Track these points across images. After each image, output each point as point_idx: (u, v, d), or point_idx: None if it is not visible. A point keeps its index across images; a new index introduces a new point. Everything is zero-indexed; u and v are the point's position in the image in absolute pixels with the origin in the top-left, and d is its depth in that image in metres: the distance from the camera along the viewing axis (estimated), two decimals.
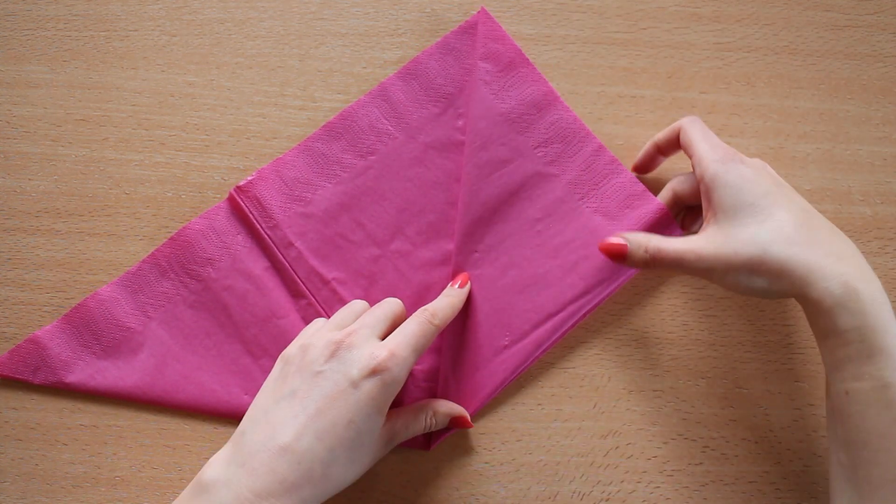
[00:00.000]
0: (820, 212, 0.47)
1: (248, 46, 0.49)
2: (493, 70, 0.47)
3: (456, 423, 0.43)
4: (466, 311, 0.44)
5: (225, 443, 0.38)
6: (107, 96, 0.49)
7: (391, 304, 0.41)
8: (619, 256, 0.41)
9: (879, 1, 0.50)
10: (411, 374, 0.45)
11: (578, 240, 0.46)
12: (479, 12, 0.48)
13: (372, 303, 0.45)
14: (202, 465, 0.44)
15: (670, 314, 0.46)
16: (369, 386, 0.35)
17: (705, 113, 0.48)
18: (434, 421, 0.42)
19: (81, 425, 0.45)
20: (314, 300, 0.45)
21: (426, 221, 0.46)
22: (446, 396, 0.44)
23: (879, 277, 0.47)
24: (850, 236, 0.47)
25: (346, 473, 0.36)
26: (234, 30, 0.49)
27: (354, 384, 0.35)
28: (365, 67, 0.49)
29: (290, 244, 0.46)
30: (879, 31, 0.49)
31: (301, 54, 0.49)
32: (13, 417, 0.45)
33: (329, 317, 0.45)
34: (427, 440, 0.44)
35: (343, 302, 0.45)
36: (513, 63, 0.47)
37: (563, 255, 0.45)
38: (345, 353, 0.37)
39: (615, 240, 0.41)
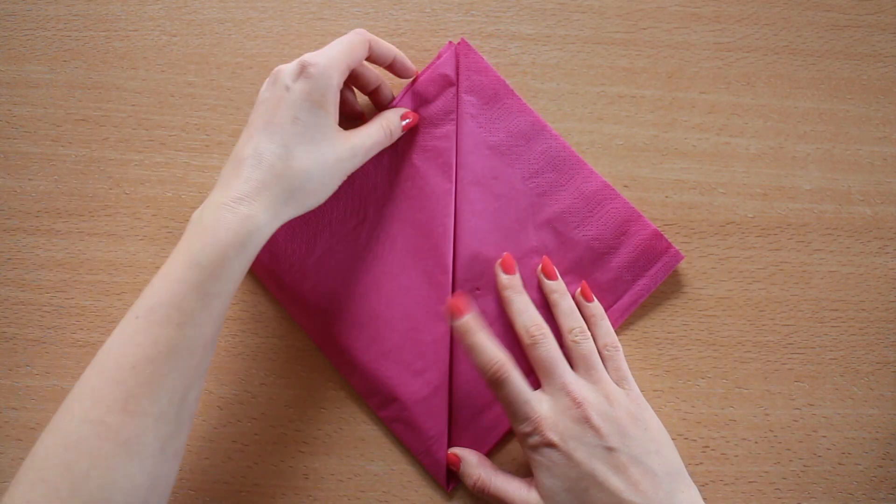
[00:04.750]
0: (820, 212, 0.47)
1: (248, 46, 0.49)
2: (479, 103, 0.47)
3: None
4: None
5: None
6: (107, 96, 0.49)
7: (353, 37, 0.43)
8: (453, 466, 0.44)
9: (879, 1, 0.50)
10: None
11: (577, 270, 0.46)
12: (458, 43, 0.47)
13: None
14: (202, 467, 0.44)
15: (670, 314, 0.46)
16: (300, 84, 0.39)
17: (705, 113, 0.48)
18: (390, 130, 0.44)
19: None
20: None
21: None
22: (458, 435, 0.44)
23: (879, 277, 0.47)
24: (849, 236, 0.47)
25: (307, 166, 0.39)
26: (234, 30, 0.49)
27: (288, 88, 0.40)
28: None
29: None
30: (879, 31, 0.49)
31: (301, 54, 0.49)
32: (13, 417, 0.45)
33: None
34: (446, 481, 0.44)
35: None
36: (497, 95, 0.47)
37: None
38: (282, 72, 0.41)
39: (454, 451, 0.44)
